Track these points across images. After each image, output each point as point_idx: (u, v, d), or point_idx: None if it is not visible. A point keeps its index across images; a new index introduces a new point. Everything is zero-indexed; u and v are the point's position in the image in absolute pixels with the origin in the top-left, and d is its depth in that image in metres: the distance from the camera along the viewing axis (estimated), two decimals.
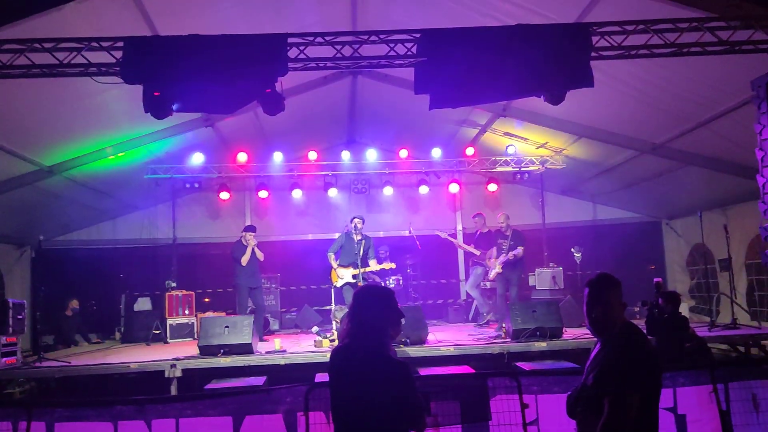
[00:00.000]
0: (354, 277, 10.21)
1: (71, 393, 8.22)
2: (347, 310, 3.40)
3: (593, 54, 5.96)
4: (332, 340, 8.94)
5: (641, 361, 3.02)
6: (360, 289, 3.43)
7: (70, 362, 8.52)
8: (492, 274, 11.10)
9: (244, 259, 10.61)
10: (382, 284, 12.32)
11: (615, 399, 2.94)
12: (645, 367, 3.01)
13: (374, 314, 3.23)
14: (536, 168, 12.75)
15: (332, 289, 10.64)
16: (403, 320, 3.35)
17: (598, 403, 3.00)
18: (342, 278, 10.31)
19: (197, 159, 11.92)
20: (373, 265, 10.33)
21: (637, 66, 7.17)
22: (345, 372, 3.21)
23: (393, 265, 10.50)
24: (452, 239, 12.57)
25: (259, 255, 10.80)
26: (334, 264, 10.45)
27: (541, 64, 5.93)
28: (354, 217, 10.46)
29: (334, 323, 10.08)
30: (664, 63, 6.71)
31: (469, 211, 14.19)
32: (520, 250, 10.69)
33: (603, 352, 3.16)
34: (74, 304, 11.86)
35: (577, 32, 6.05)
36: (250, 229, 10.98)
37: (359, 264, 10.11)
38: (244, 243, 10.78)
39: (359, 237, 10.34)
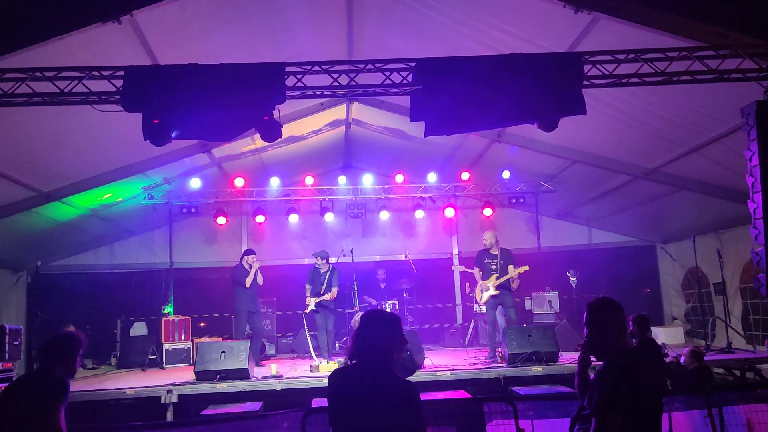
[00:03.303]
0: (316, 305, 10.87)
1: (67, 419, 8.16)
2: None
3: (585, 82, 6.07)
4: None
5: (627, 385, 3.06)
6: (366, 312, 3.47)
7: None
8: (485, 297, 10.39)
9: (248, 281, 10.68)
10: (378, 308, 12.39)
11: (599, 419, 3.03)
12: (631, 391, 3.05)
13: (378, 338, 3.26)
14: (531, 192, 12.87)
15: (303, 316, 11.27)
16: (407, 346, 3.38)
17: (590, 422, 3.10)
18: (308, 305, 10.95)
19: (194, 184, 12.01)
20: (333, 293, 10.88)
21: (629, 93, 7.29)
22: (349, 392, 3.23)
23: (334, 295, 10.90)
24: (469, 270, 12.38)
25: (260, 279, 10.90)
26: (308, 293, 11.04)
27: (534, 92, 6.03)
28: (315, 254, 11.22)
29: (310, 344, 10.66)
30: (656, 90, 6.83)
31: (465, 236, 14.30)
32: (522, 269, 10.20)
33: (598, 374, 3.23)
34: (70, 330, 11.81)
35: (569, 61, 6.17)
36: (252, 252, 11.06)
37: (321, 293, 10.85)
38: (246, 266, 10.84)
39: (325, 269, 11.06)
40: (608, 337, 3.28)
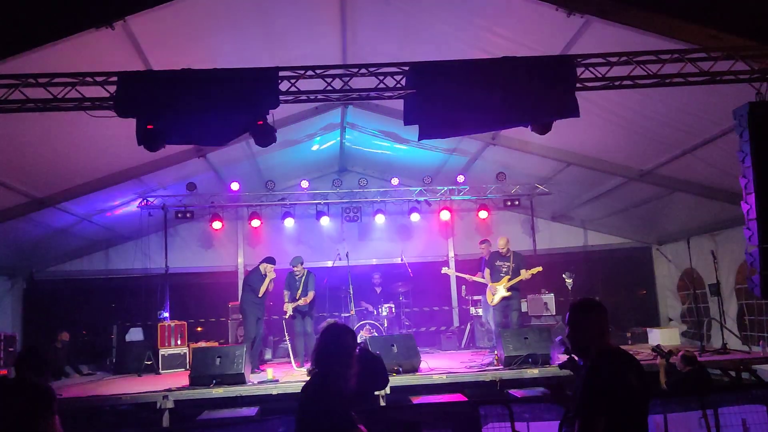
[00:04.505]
0: (294, 310, 10.98)
1: (62, 426, 8.14)
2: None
3: (578, 85, 6.07)
4: None
5: (609, 387, 3.06)
6: (323, 327, 3.62)
7: (61, 395, 8.45)
8: (497, 299, 10.62)
9: (261, 290, 10.72)
10: (375, 312, 12.40)
11: (582, 421, 3.04)
12: (614, 393, 3.05)
13: (325, 351, 3.45)
14: (526, 195, 12.90)
15: (283, 321, 11.42)
16: (353, 358, 3.50)
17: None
18: (287, 311, 11.08)
19: (190, 189, 11.99)
20: (308, 297, 10.98)
21: (622, 95, 7.30)
22: (301, 401, 3.41)
23: (308, 299, 10.96)
24: (460, 274, 12.50)
25: (270, 287, 10.98)
26: (286, 299, 11.15)
27: (528, 95, 6.04)
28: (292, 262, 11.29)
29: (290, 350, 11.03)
30: (649, 92, 6.84)
31: (461, 238, 14.32)
32: (535, 270, 10.58)
33: (581, 375, 3.24)
34: (64, 336, 11.78)
35: (562, 64, 6.17)
36: (272, 261, 11.07)
37: (297, 298, 10.96)
38: (263, 273, 10.87)
39: (301, 274, 11.13)
40: (590, 337, 3.29)
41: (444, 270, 12.88)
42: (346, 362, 3.41)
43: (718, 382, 9.12)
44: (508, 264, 10.60)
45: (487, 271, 10.89)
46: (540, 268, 10.61)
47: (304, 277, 11.09)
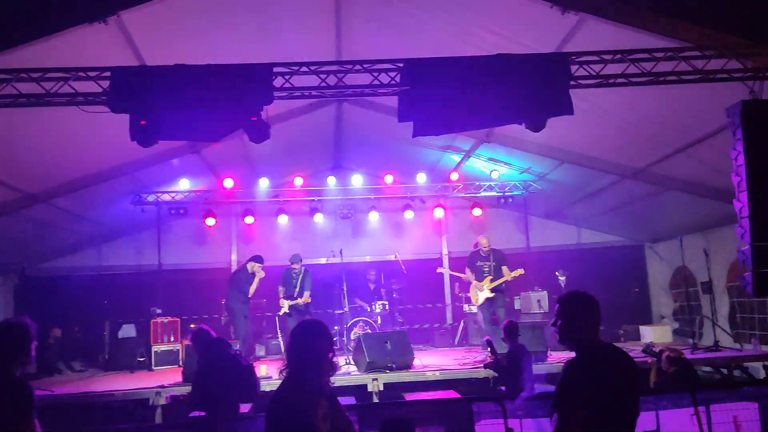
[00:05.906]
0: (290, 308, 11.06)
1: (55, 423, 8.10)
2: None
3: (572, 83, 6.09)
4: None
5: (591, 380, 3.05)
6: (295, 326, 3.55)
7: (53, 391, 8.45)
8: (481, 299, 10.84)
9: (251, 291, 10.69)
10: (368, 309, 12.39)
11: (562, 414, 3.04)
12: (596, 386, 3.04)
13: (296, 349, 3.36)
14: (520, 193, 12.91)
15: (276, 318, 11.48)
16: (330, 354, 3.41)
17: None
18: (282, 307, 11.15)
19: (183, 185, 11.97)
20: (305, 297, 11.08)
21: (616, 93, 7.31)
22: (272, 403, 3.32)
23: (308, 300, 11.14)
24: (455, 273, 12.49)
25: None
26: (281, 295, 11.25)
27: (522, 92, 6.05)
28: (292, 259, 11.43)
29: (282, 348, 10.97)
30: (642, 90, 6.85)
31: (455, 236, 14.35)
32: (517, 273, 10.68)
33: (564, 366, 3.25)
34: (56, 332, 11.73)
35: (556, 61, 6.18)
36: (259, 259, 11.05)
37: (294, 296, 11.02)
38: (250, 272, 10.83)
39: (297, 272, 11.23)
40: (574, 329, 3.29)
41: (439, 270, 12.91)
42: (318, 361, 3.29)
43: (710, 380, 9.17)
44: (489, 263, 10.72)
45: (468, 272, 10.97)
46: (521, 271, 10.69)
47: (301, 276, 11.06)
